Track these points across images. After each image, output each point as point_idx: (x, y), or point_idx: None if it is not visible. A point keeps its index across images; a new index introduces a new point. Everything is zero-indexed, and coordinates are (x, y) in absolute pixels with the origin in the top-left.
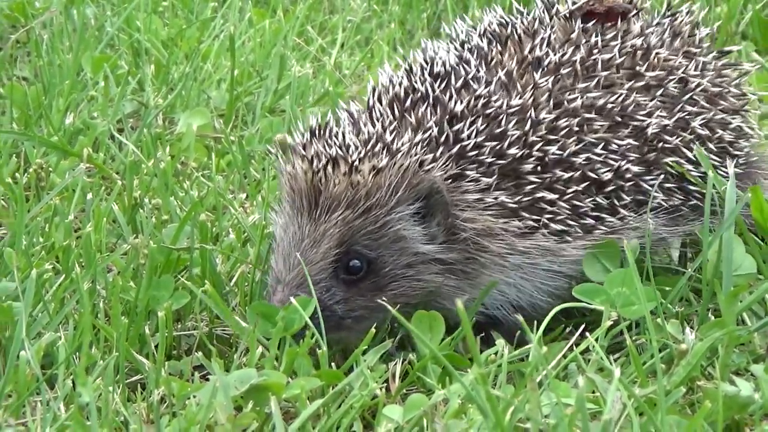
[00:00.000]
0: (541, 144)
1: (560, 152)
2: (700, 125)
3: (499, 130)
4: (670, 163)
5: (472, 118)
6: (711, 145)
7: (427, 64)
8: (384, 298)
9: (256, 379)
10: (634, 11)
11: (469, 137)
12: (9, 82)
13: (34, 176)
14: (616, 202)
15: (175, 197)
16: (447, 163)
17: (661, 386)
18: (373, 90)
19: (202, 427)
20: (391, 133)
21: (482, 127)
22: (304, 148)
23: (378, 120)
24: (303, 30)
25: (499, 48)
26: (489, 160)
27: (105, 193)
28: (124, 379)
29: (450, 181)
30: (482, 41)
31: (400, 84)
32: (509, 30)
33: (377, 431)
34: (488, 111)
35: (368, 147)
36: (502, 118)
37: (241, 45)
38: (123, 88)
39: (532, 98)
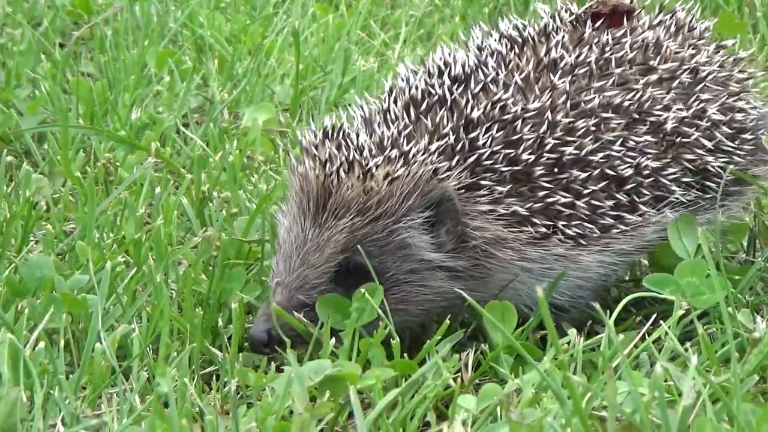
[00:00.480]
0: (556, 146)
1: (577, 152)
2: (715, 111)
3: (515, 137)
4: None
5: (488, 125)
6: (725, 128)
7: (445, 66)
8: (385, 304)
9: (331, 369)
10: (638, 9)
11: (484, 145)
12: (74, 78)
13: (102, 171)
14: (636, 198)
15: (243, 191)
16: (462, 173)
17: (735, 373)
18: (390, 91)
19: (278, 417)
20: (406, 138)
21: (498, 134)
22: (316, 149)
23: (393, 123)
24: (366, 24)
25: (516, 51)
26: (503, 168)
27: (173, 187)
28: (198, 370)
29: (463, 191)
30: (501, 45)
31: (416, 87)
32: (526, 33)
33: (453, 420)
34: (505, 116)
35: (384, 152)
36: (518, 123)
37: (304, 40)
38: (188, 83)
39: (549, 100)
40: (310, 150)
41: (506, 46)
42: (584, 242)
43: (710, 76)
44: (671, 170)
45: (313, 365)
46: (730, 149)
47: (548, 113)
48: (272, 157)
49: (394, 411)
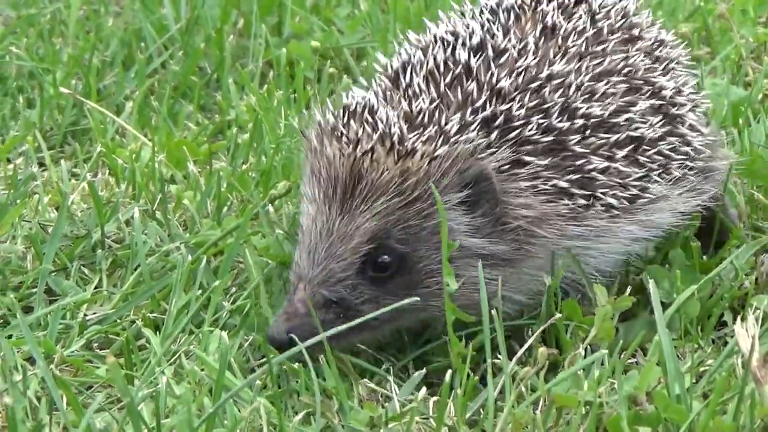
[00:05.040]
0: (584, 109)
1: (601, 113)
2: (691, 91)
3: (546, 105)
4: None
5: (518, 94)
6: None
7: (453, 37)
8: (417, 297)
9: None
10: None
11: (519, 117)
12: None
13: None
14: (652, 166)
15: None
16: (503, 148)
17: None
18: (403, 63)
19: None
20: (438, 112)
21: (530, 102)
22: (344, 129)
23: (418, 97)
24: None
25: (511, 18)
26: (540, 138)
27: None
28: None
29: (507, 166)
30: (490, 15)
31: (434, 58)
32: (512, 3)
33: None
34: (533, 84)
35: (417, 129)
36: (546, 89)
37: None
38: None
39: (570, 64)
40: (336, 130)
41: (506, 13)
42: (619, 212)
43: (675, 56)
44: (665, 141)
45: None
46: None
47: (573, 75)
48: None
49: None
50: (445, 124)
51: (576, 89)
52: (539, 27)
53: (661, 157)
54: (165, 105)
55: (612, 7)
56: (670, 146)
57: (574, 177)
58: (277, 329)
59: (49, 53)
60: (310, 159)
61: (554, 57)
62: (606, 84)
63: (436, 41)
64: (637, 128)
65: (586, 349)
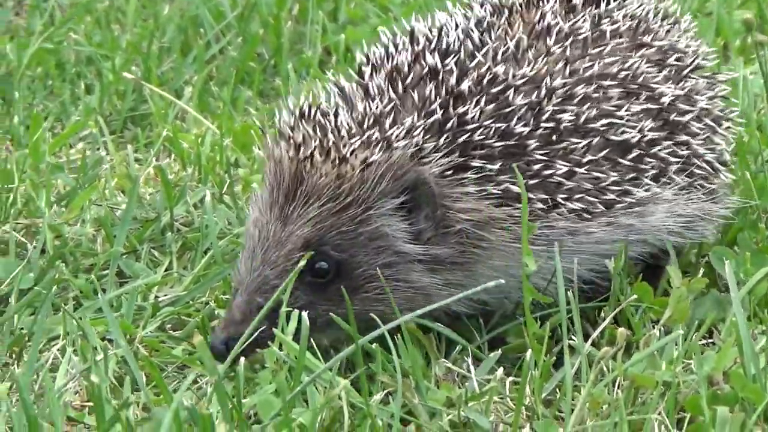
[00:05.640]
0: (554, 113)
1: (574, 118)
2: (704, 103)
3: (507, 109)
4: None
5: (478, 97)
6: (720, 130)
7: (432, 34)
8: (356, 303)
9: None
10: None
11: (473, 120)
12: None
13: None
14: (640, 169)
15: None
16: (449, 153)
17: None
18: (366, 59)
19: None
20: (388, 116)
21: (488, 106)
22: (291, 131)
23: (375, 98)
24: None
25: (506, 17)
26: (495, 143)
27: None
28: None
29: (450, 172)
30: (485, 12)
31: (402, 57)
32: (511, 1)
33: None
34: (495, 87)
35: (363, 134)
36: (510, 93)
37: None
38: None
39: (545, 67)
40: (284, 131)
41: (492, 13)
42: (590, 216)
43: (696, 65)
44: (662, 145)
45: None
46: (717, 147)
47: (546, 79)
48: None
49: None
50: (391, 128)
51: (548, 93)
52: (531, 27)
53: (654, 161)
54: (228, 90)
55: (625, 11)
56: (668, 150)
57: (532, 182)
58: (216, 338)
59: (108, 40)
60: (265, 160)
61: (533, 59)
62: (593, 87)
63: (412, 38)
64: (622, 132)
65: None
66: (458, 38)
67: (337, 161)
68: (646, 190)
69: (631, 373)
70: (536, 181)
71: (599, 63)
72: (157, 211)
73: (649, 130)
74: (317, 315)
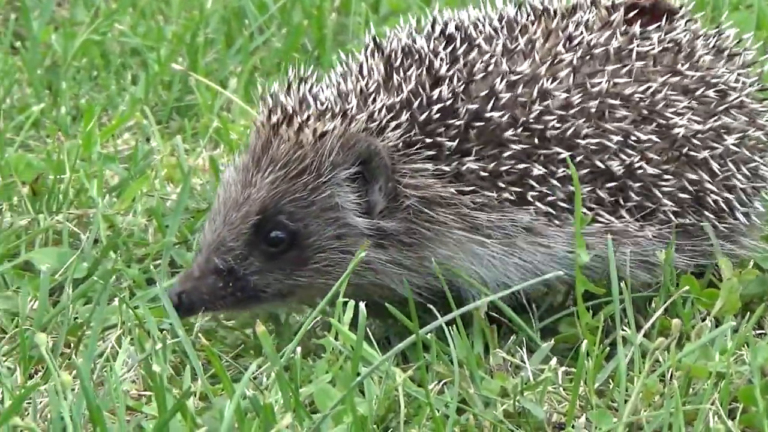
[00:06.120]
0: (541, 114)
1: (561, 127)
2: (734, 141)
3: (485, 93)
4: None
5: (459, 82)
6: (744, 169)
7: (444, 25)
8: (307, 273)
9: None
10: (681, 12)
11: (438, 100)
12: None
13: None
14: (621, 201)
15: None
16: (406, 128)
17: None
18: (374, 41)
19: None
20: (361, 93)
21: (461, 87)
22: (272, 98)
23: (364, 77)
24: None
25: (532, 19)
26: (459, 122)
27: None
28: None
29: (402, 146)
30: (519, 13)
31: (398, 42)
32: (551, 5)
33: None
34: (483, 76)
35: (327, 107)
36: (497, 82)
37: None
38: None
39: (548, 69)
40: (266, 99)
41: (525, 14)
42: (557, 221)
43: (737, 101)
44: (667, 182)
45: None
46: (739, 186)
47: (543, 80)
48: None
49: None
50: (355, 105)
51: (540, 94)
52: (549, 33)
53: (644, 194)
54: (272, 81)
55: (669, 36)
56: (670, 188)
57: (502, 169)
58: (172, 291)
59: (153, 31)
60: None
61: (540, 61)
62: (595, 103)
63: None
64: (608, 159)
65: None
66: (466, 28)
67: (295, 129)
68: (620, 222)
69: (685, 364)
70: (509, 170)
71: (612, 81)
72: (207, 201)
73: (648, 164)
74: (268, 283)
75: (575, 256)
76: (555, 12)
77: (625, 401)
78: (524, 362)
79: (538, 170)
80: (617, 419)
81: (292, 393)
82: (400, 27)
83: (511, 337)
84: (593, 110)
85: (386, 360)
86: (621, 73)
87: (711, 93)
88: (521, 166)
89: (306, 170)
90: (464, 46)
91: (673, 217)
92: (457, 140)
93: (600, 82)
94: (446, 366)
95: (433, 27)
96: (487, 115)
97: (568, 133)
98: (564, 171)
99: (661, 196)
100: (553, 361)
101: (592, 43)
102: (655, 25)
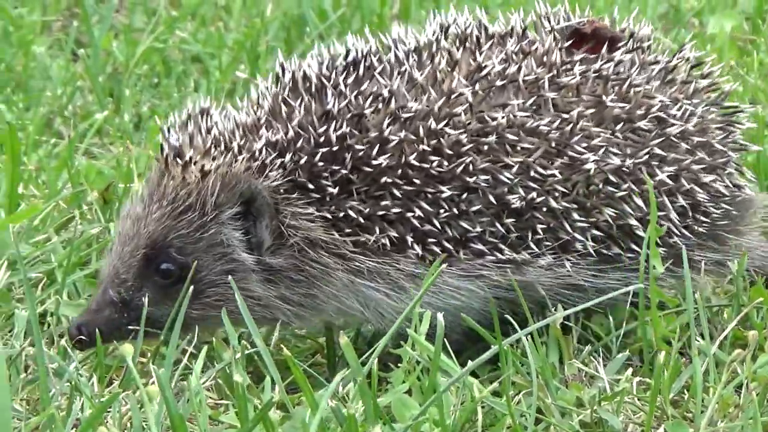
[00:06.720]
0: (429, 155)
1: (447, 165)
2: (671, 173)
3: (373, 134)
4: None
5: (342, 120)
6: (681, 200)
7: (346, 51)
8: (199, 306)
9: None
10: (624, 41)
11: (326, 143)
12: None
13: None
14: (529, 234)
15: None
16: (289, 170)
17: None
18: (282, 69)
19: None
20: (250, 127)
21: (354, 130)
22: (169, 133)
23: (257, 109)
24: None
25: (449, 47)
26: (344, 169)
27: None
28: None
29: (285, 189)
30: (442, 36)
31: (299, 69)
32: (477, 32)
33: None
34: (370, 112)
35: (220, 144)
36: (389, 122)
37: None
38: None
39: (444, 104)
40: (164, 134)
41: (453, 39)
42: (446, 264)
43: (677, 131)
44: (580, 217)
45: None
46: (672, 224)
47: (436, 118)
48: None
49: None
50: (242, 139)
51: (428, 132)
52: (456, 64)
53: (551, 225)
54: None
55: (597, 65)
56: (581, 221)
57: (380, 213)
58: (72, 323)
59: (214, 38)
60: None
61: (437, 96)
62: (492, 138)
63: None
64: (507, 193)
65: None
66: (369, 56)
67: (183, 166)
68: (529, 253)
69: (761, 376)
70: (385, 215)
71: (515, 114)
72: None
73: (554, 199)
74: (162, 314)
75: (464, 299)
76: (478, 39)
77: (701, 412)
78: (598, 372)
79: (420, 212)
80: (694, 430)
81: (373, 403)
82: (314, 52)
83: (586, 347)
84: (491, 145)
85: (466, 373)
86: (528, 106)
87: (643, 124)
88: (399, 209)
89: (191, 207)
90: (364, 77)
91: (590, 249)
92: (340, 185)
93: (500, 116)
94: (523, 376)
95: (347, 54)
96: (373, 161)
97: (459, 170)
98: (448, 211)
99: (572, 231)
100: (629, 371)
101: (503, 74)
102: (593, 54)
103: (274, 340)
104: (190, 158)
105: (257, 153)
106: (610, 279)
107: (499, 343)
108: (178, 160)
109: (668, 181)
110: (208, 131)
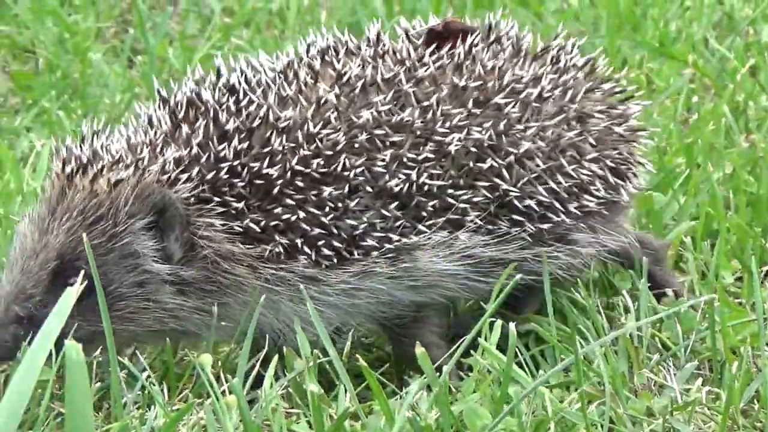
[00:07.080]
0: (310, 159)
1: (327, 166)
2: (534, 145)
3: (265, 149)
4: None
5: (240, 137)
6: (560, 179)
7: (220, 73)
8: (112, 320)
9: None
10: (476, 30)
11: (226, 159)
12: None
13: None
14: (416, 217)
15: None
16: (198, 185)
17: None
18: (163, 93)
19: None
20: (151, 144)
21: (244, 145)
22: (67, 151)
23: (153, 129)
24: None
25: (310, 61)
26: (243, 182)
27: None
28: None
29: (196, 202)
30: (306, 54)
31: (187, 92)
32: (337, 47)
33: None
34: (257, 127)
35: (119, 158)
36: (272, 134)
37: None
38: None
39: (315, 111)
40: (60, 151)
41: (315, 56)
42: (341, 264)
43: (537, 99)
44: (461, 191)
45: None
46: (558, 188)
47: (307, 124)
48: None
49: None
50: (149, 156)
51: (306, 137)
52: (318, 74)
53: (434, 212)
54: None
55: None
56: (465, 198)
57: (273, 223)
58: None
59: (269, 45)
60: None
61: (306, 103)
62: (364, 137)
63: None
64: (386, 181)
65: None
66: (246, 77)
67: (90, 178)
68: (417, 235)
69: None
70: (276, 222)
71: (378, 111)
72: None
73: (430, 179)
74: (75, 329)
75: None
76: (336, 50)
77: None
78: (667, 381)
79: (307, 215)
80: None
81: (449, 413)
82: (187, 78)
83: (654, 356)
84: (362, 143)
85: (541, 383)
86: (388, 101)
87: (499, 99)
88: (288, 216)
89: (102, 218)
90: (246, 98)
91: (481, 223)
92: (241, 199)
93: (366, 116)
94: (594, 386)
95: (218, 77)
96: (264, 171)
97: (338, 169)
98: (335, 211)
99: (458, 203)
100: (698, 381)
101: (362, 78)
102: (452, 50)
103: (347, 349)
104: (98, 171)
105: (165, 166)
106: (508, 249)
107: (576, 353)
108: (86, 173)
109: (532, 147)
110: (107, 149)
